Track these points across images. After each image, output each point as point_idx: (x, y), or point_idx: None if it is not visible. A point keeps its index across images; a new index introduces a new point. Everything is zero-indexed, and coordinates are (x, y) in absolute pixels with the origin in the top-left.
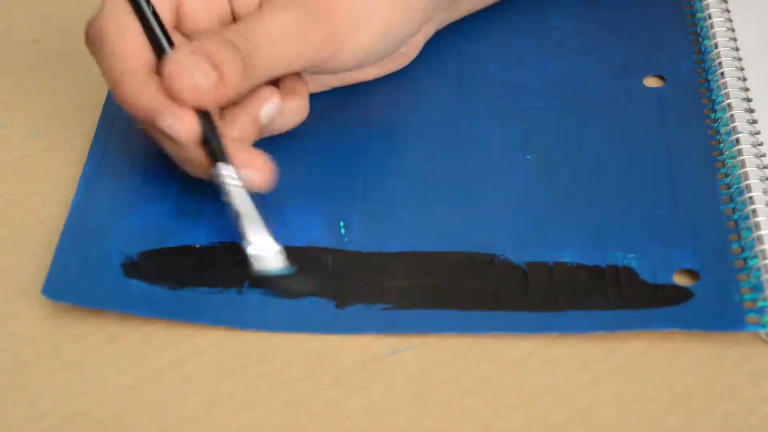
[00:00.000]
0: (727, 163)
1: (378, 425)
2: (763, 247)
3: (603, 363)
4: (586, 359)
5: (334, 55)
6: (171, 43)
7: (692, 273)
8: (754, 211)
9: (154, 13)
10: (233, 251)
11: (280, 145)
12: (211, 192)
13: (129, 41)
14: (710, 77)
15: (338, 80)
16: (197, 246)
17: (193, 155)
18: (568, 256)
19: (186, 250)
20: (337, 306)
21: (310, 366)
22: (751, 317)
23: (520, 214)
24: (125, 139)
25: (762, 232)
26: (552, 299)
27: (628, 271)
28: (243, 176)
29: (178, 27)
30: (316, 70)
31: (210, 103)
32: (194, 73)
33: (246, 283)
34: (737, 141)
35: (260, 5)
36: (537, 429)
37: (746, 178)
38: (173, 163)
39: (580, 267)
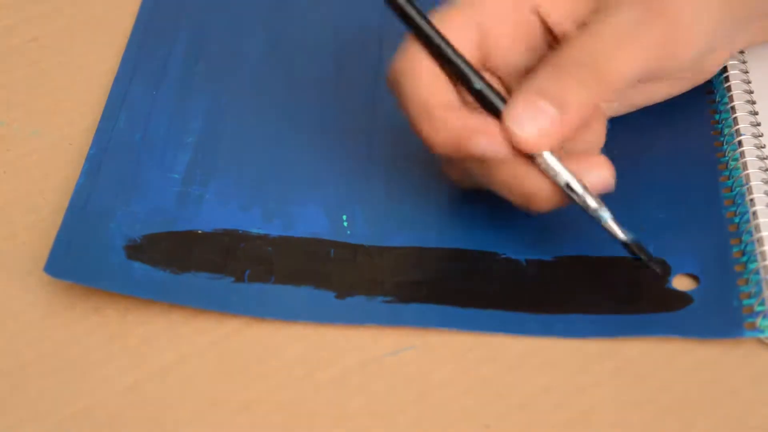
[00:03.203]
0: (729, 166)
1: (378, 425)
2: (763, 248)
3: (603, 364)
4: (586, 360)
5: (672, 55)
6: (480, 77)
7: (692, 277)
8: (755, 213)
9: (456, 52)
10: (235, 238)
11: (284, 138)
12: (215, 180)
13: (424, 85)
14: (714, 79)
15: (644, 98)
16: (200, 232)
17: (517, 173)
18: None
19: (189, 236)
20: (337, 297)
21: (309, 366)
22: (749, 323)
23: (522, 213)
24: (131, 123)
25: (762, 234)
26: (552, 300)
27: (628, 274)
28: (594, 178)
29: (485, 63)
30: (650, 77)
31: (557, 141)
32: (532, 121)
33: (247, 271)
34: (740, 143)
35: (576, 13)
36: (537, 430)
37: (748, 180)
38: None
39: (580, 269)
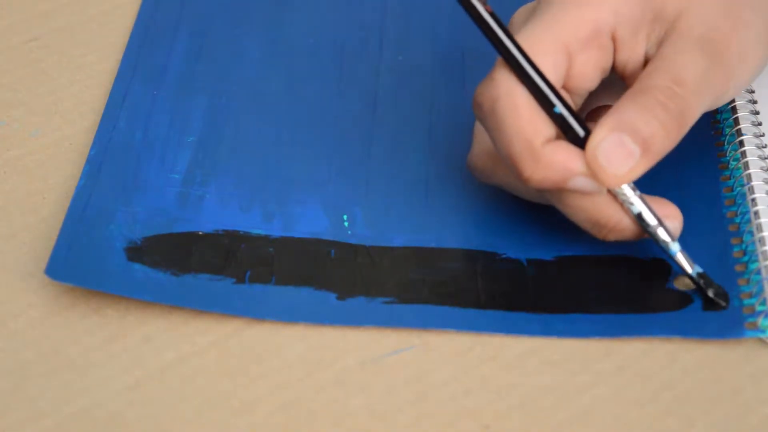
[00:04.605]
0: (731, 166)
1: (378, 425)
2: (764, 248)
3: (603, 363)
4: (586, 360)
5: (724, 97)
6: (565, 104)
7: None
8: (756, 212)
9: (546, 81)
10: (236, 239)
11: (284, 138)
12: (215, 180)
13: (526, 120)
14: None
15: None
16: (200, 233)
17: (605, 211)
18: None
19: (190, 237)
20: (338, 298)
21: (309, 366)
22: (750, 323)
23: (522, 212)
24: (131, 123)
25: (764, 234)
26: (553, 300)
27: (629, 274)
28: (668, 227)
29: (564, 86)
30: None
31: (636, 177)
32: (616, 159)
33: (248, 272)
34: (741, 143)
35: (646, 54)
36: (537, 429)
37: (750, 180)
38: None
39: (580, 269)
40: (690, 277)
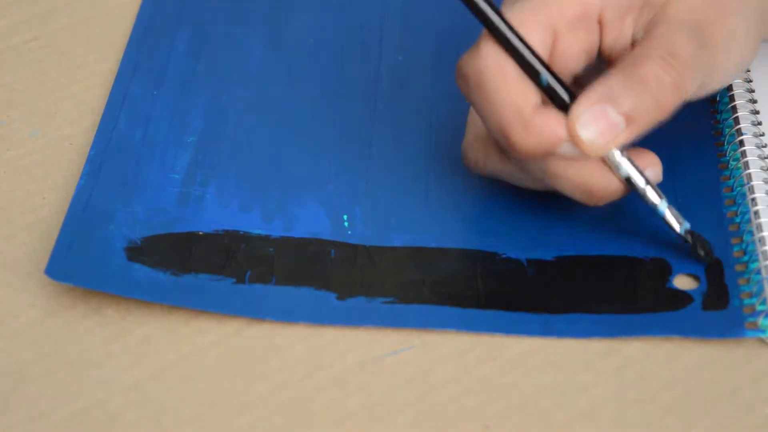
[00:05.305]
0: (730, 165)
1: (378, 425)
2: (764, 248)
3: (603, 363)
4: (586, 360)
5: (709, 84)
6: (553, 73)
7: (693, 277)
8: (756, 212)
9: (532, 51)
10: (236, 239)
11: (284, 138)
12: (215, 180)
13: (514, 88)
14: None
15: None
16: (201, 233)
17: (594, 178)
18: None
19: (190, 237)
20: (338, 298)
21: (309, 366)
22: (750, 323)
23: (522, 212)
24: (131, 123)
25: (764, 233)
26: (553, 300)
27: (629, 274)
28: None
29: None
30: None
31: (620, 146)
32: (597, 129)
33: (248, 272)
34: (741, 143)
35: (633, 38)
36: (537, 429)
37: (750, 179)
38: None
39: (580, 269)
40: (678, 235)
